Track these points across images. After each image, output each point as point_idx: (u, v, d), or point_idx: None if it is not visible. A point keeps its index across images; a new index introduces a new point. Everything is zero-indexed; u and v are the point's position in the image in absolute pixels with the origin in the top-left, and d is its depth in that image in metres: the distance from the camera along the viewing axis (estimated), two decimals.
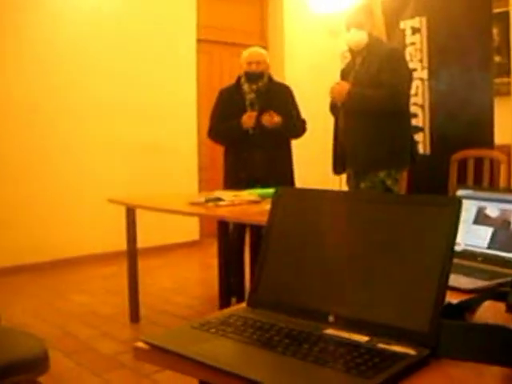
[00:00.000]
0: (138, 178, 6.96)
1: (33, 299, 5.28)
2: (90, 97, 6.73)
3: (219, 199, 4.03)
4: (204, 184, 7.54)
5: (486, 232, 1.97)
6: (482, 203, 2.02)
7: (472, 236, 1.99)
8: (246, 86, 4.93)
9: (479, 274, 1.80)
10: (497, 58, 6.44)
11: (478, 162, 5.03)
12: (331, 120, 4.69)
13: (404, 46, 5.51)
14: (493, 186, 4.87)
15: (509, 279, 1.70)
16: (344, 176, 4.68)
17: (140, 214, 4.59)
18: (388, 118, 4.29)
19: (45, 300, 5.25)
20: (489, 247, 1.94)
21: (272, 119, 4.78)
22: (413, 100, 5.20)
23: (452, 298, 1.32)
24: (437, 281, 1.20)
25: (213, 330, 1.33)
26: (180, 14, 7.46)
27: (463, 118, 5.22)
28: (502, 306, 1.41)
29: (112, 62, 6.86)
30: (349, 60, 4.68)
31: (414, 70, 5.35)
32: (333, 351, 1.18)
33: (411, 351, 1.15)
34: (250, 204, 4.02)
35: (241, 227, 4.86)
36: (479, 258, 1.94)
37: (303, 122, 5.08)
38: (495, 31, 6.15)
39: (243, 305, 1.49)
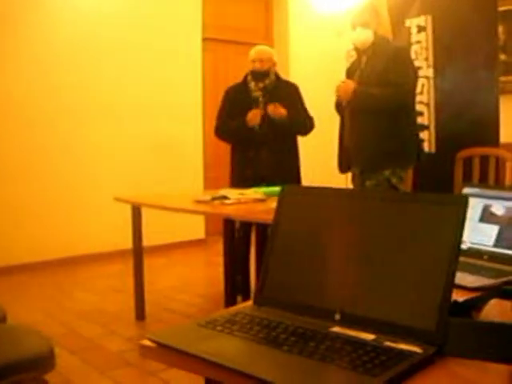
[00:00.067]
0: (143, 176, 6.97)
1: (39, 297, 5.28)
2: (94, 96, 6.73)
3: (225, 197, 4.03)
4: (209, 182, 7.53)
5: (492, 230, 1.97)
6: (488, 201, 2.02)
7: (478, 234, 1.99)
8: (252, 84, 4.93)
9: (485, 272, 1.80)
10: (502, 57, 6.43)
11: (484, 160, 5.02)
12: (337, 118, 4.69)
13: (409, 45, 5.51)
14: (498, 184, 4.87)
15: None
16: (349, 174, 4.67)
17: (146, 213, 4.60)
18: (393, 116, 4.29)
19: (51, 298, 5.26)
20: (495, 245, 1.94)
21: (276, 109, 4.78)
22: (418, 98, 5.19)
23: (458, 296, 1.32)
24: (443, 279, 1.20)
25: (219, 328, 1.33)
26: (185, 13, 7.46)
27: (468, 116, 5.21)
28: (508, 304, 1.41)
29: (117, 61, 6.86)
30: (354, 59, 4.67)
31: (420, 68, 5.34)
32: (339, 349, 1.18)
33: (417, 349, 1.15)
34: (255, 202, 4.01)
35: (247, 225, 4.86)
36: (485, 256, 1.94)
37: (311, 119, 5.07)
38: (501, 29, 6.14)
39: (249, 303, 1.50)
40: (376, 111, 4.30)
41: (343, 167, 4.63)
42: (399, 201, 1.38)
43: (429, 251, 1.26)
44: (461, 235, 1.23)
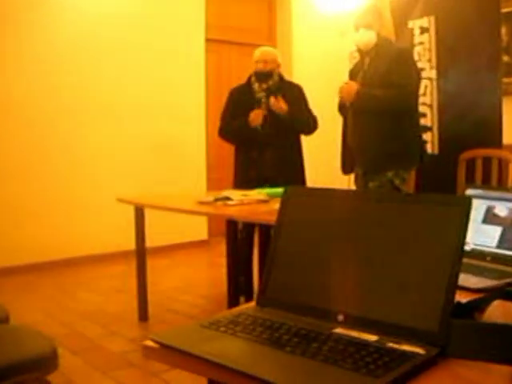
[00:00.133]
0: (146, 177, 6.97)
1: (42, 298, 5.29)
2: (96, 96, 6.73)
3: (228, 198, 4.03)
4: (212, 183, 7.54)
5: (495, 231, 1.97)
6: (491, 202, 2.02)
7: (481, 235, 1.99)
8: (256, 85, 4.93)
9: (488, 273, 1.80)
10: (505, 58, 6.43)
11: (487, 161, 5.02)
12: (340, 119, 4.70)
13: (412, 46, 5.51)
14: (501, 185, 4.87)
15: None
16: (352, 175, 4.68)
17: (148, 214, 4.60)
18: (396, 117, 4.29)
19: (53, 299, 5.27)
20: (498, 246, 1.94)
21: (277, 102, 4.78)
22: (421, 100, 5.19)
23: (461, 298, 1.32)
24: (446, 280, 1.20)
25: (222, 329, 1.33)
26: (188, 14, 7.46)
27: (471, 118, 5.21)
28: (511, 305, 1.41)
29: (120, 62, 6.87)
30: (357, 60, 4.67)
31: (423, 69, 5.34)
32: (342, 350, 1.18)
33: (420, 350, 1.15)
34: (258, 203, 4.01)
35: (250, 226, 4.86)
36: (488, 258, 1.94)
37: (314, 119, 5.06)
38: (504, 31, 6.14)
39: (252, 304, 1.50)
40: (379, 112, 4.30)
41: (346, 168, 4.64)
42: (402, 202, 1.38)
43: (432, 252, 1.26)
44: (464, 236, 1.23)
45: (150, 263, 4.82)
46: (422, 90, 5.17)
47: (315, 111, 5.09)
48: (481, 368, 1.10)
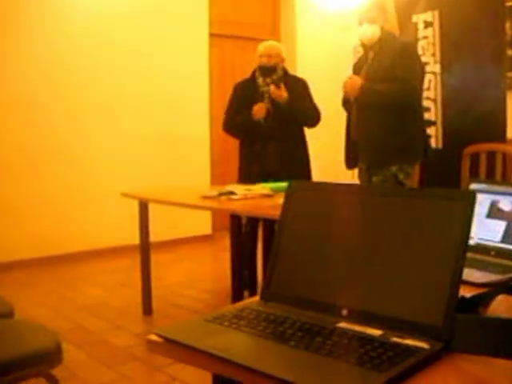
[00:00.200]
0: (150, 172, 6.98)
1: (46, 292, 5.30)
2: (100, 92, 6.73)
3: (232, 193, 4.03)
4: (216, 178, 7.54)
5: (500, 226, 1.97)
6: (496, 197, 2.01)
7: (485, 230, 1.99)
8: (260, 80, 4.93)
9: (492, 267, 1.80)
10: (509, 52, 6.40)
11: (491, 155, 5.02)
12: (344, 114, 4.69)
13: (416, 40, 5.51)
14: (505, 179, 4.86)
15: None
16: (356, 170, 4.67)
17: (153, 208, 4.60)
18: (400, 112, 4.28)
19: (58, 293, 5.28)
20: (502, 241, 1.94)
21: (277, 90, 4.78)
22: (425, 94, 5.19)
23: (465, 292, 1.32)
24: (450, 275, 1.20)
25: (226, 323, 1.33)
26: (192, 9, 7.45)
27: (475, 112, 5.21)
28: None
29: (123, 57, 6.86)
30: (361, 55, 4.67)
31: (427, 64, 5.34)
32: (346, 345, 1.18)
33: (424, 345, 1.15)
34: (262, 198, 4.01)
35: (254, 221, 4.86)
36: (492, 252, 1.94)
37: (317, 111, 5.04)
38: (508, 25, 6.11)
39: (256, 298, 1.50)
40: (383, 107, 4.29)
41: (350, 163, 4.63)
42: (406, 196, 1.38)
43: (436, 247, 1.26)
44: (468, 231, 1.23)
45: (154, 258, 4.82)
46: (425, 85, 5.17)
47: (319, 106, 5.07)
48: (485, 362, 1.10)
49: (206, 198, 4.09)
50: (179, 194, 4.57)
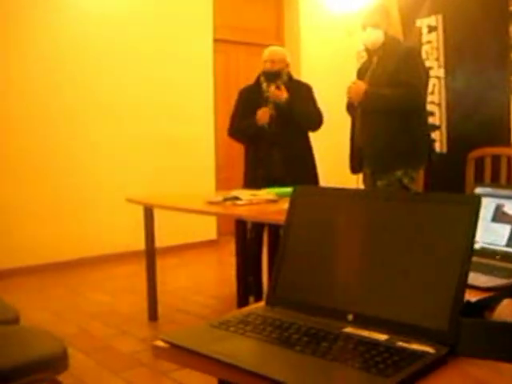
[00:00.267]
0: (155, 177, 6.99)
1: (52, 299, 5.31)
2: (104, 96, 6.75)
3: (237, 198, 4.03)
4: (221, 183, 7.55)
5: (505, 230, 1.97)
6: (501, 201, 2.01)
7: (490, 234, 1.99)
8: (264, 85, 4.94)
9: (498, 272, 1.80)
10: None
11: (495, 159, 5.01)
12: (348, 119, 4.69)
13: (420, 45, 5.51)
14: (510, 183, 4.86)
15: None
16: (361, 175, 4.67)
17: (158, 213, 4.61)
18: (405, 116, 4.28)
19: (64, 299, 5.28)
20: (507, 245, 1.94)
21: (276, 90, 4.79)
22: (429, 98, 5.19)
23: (471, 297, 1.32)
24: (456, 279, 1.21)
25: (232, 329, 1.33)
26: (196, 14, 7.47)
27: (480, 116, 5.21)
28: None
29: (128, 62, 6.88)
30: (365, 59, 4.67)
31: (431, 68, 5.34)
32: (352, 349, 1.19)
33: (430, 349, 1.15)
34: (267, 203, 4.01)
35: (259, 226, 4.86)
36: (498, 256, 1.94)
37: (320, 114, 5.03)
38: (511, 29, 6.12)
39: (262, 303, 1.50)
40: (387, 112, 4.29)
41: (355, 168, 4.63)
42: (411, 201, 1.38)
43: (441, 251, 1.26)
44: (473, 235, 1.23)
45: (160, 263, 4.82)
46: (430, 89, 5.17)
47: (324, 110, 5.07)
48: (491, 367, 1.10)
49: (211, 203, 4.09)
50: (184, 200, 4.58)
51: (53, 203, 6.42)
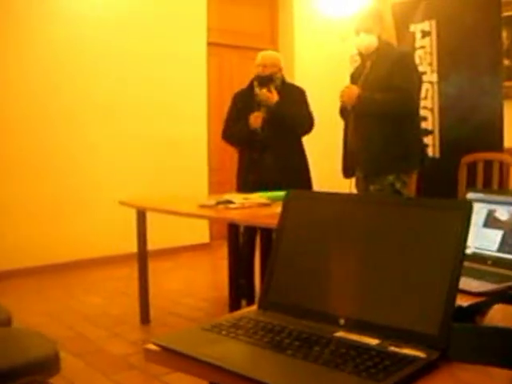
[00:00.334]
0: (148, 180, 6.98)
1: (44, 301, 5.30)
2: (98, 99, 6.74)
3: (229, 202, 4.03)
4: (214, 186, 7.55)
5: (496, 235, 1.97)
6: (492, 206, 2.02)
7: (482, 239, 1.99)
8: (257, 89, 4.94)
9: (489, 277, 1.80)
10: (506, 62, 6.43)
11: (488, 165, 5.03)
12: (341, 123, 4.70)
13: (414, 50, 5.53)
14: (502, 188, 4.87)
15: None
16: (353, 179, 4.68)
17: (150, 216, 4.61)
18: (397, 121, 4.29)
19: (56, 301, 5.28)
20: (499, 250, 1.94)
21: (266, 93, 4.80)
22: (422, 103, 5.20)
23: (462, 301, 1.32)
24: (447, 284, 1.21)
25: (224, 333, 1.33)
26: (190, 17, 7.47)
27: (473, 121, 5.23)
28: None
29: (122, 65, 6.88)
30: (358, 64, 4.68)
31: (424, 73, 5.35)
32: (343, 354, 1.18)
33: (421, 354, 1.15)
34: (260, 207, 4.01)
35: (251, 229, 4.86)
36: (489, 261, 1.94)
37: (311, 118, 5.02)
38: (504, 35, 6.14)
39: (254, 307, 1.50)
40: (380, 116, 4.30)
41: (347, 172, 4.63)
42: (403, 206, 1.38)
43: (433, 256, 1.26)
44: (465, 240, 1.23)
45: (152, 266, 4.82)
46: (423, 94, 5.18)
47: (317, 114, 5.07)
48: (482, 372, 1.10)
49: (203, 206, 4.09)
50: (177, 203, 4.58)
51: (49, 205, 6.41)
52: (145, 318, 4.65)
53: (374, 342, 1.23)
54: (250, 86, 5.04)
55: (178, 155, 7.32)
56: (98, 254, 6.67)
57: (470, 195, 2.09)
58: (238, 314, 1.48)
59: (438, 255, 1.25)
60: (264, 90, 4.83)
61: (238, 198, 4.11)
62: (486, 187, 4.89)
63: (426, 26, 5.51)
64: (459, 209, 1.26)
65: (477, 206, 1.98)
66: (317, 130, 5.07)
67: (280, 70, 5.00)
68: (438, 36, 5.43)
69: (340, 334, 1.29)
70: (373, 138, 4.36)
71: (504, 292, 1.56)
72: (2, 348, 2.28)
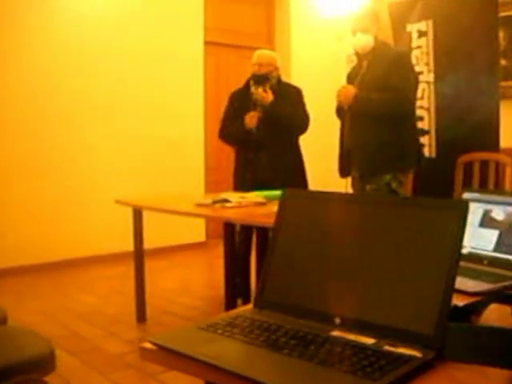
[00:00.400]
0: (145, 179, 6.98)
1: (40, 299, 5.29)
2: (95, 99, 6.74)
3: (226, 201, 4.03)
4: (211, 185, 7.55)
5: (492, 235, 1.97)
6: (488, 206, 2.02)
7: (478, 239, 1.99)
8: (253, 88, 4.94)
9: (485, 276, 1.80)
10: (503, 62, 6.44)
11: (484, 164, 5.03)
12: (337, 123, 4.70)
13: (410, 50, 5.53)
14: (498, 188, 4.88)
15: None
16: (349, 179, 4.67)
17: (147, 215, 4.60)
18: (394, 121, 4.29)
19: (52, 300, 5.27)
20: (495, 250, 1.94)
21: (261, 92, 4.80)
22: (419, 103, 5.21)
23: (458, 301, 1.32)
24: (443, 283, 1.21)
25: (219, 331, 1.33)
26: (187, 16, 7.47)
27: (469, 121, 5.23)
28: (507, 308, 1.42)
29: (119, 65, 6.87)
30: (355, 63, 4.68)
31: (421, 73, 5.35)
32: (339, 353, 1.19)
33: (417, 353, 1.16)
34: (256, 206, 4.01)
35: (248, 228, 4.86)
36: (485, 261, 1.94)
37: (307, 119, 5.02)
38: (501, 35, 6.15)
39: (250, 306, 1.50)
40: (377, 116, 4.30)
41: (344, 171, 4.63)
42: (400, 205, 1.38)
43: (429, 256, 1.26)
44: (461, 240, 1.23)
45: (148, 265, 4.82)
46: (419, 94, 5.18)
47: (314, 113, 5.06)
48: (477, 371, 1.11)
49: (199, 205, 4.09)
50: (173, 202, 4.57)
51: (41, 204, 6.40)
52: (141, 316, 4.65)
53: (369, 341, 1.24)
54: (247, 86, 5.04)
55: (175, 154, 7.31)
56: (95, 253, 6.67)
57: (466, 195, 2.09)
58: (233, 312, 1.48)
59: (434, 255, 1.25)
60: (259, 90, 4.83)
61: (235, 197, 4.11)
62: (482, 187, 4.89)
63: (422, 25, 5.51)
64: (455, 208, 1.26)
65: (473, 206, 1.98)
66: (313, 129, 5.07)
67: (276, 69, 4.99)
68: (435, 36, 5.43)
69: (336, 333, 1.29)
70: (369, 137, 4.36)
71: (500, 292, 1.56)
72: None
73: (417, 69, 5.09)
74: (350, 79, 4.61)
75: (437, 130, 5.45)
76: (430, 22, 5.44)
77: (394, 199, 1.90)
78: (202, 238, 7.78)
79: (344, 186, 4.63)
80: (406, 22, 5.65)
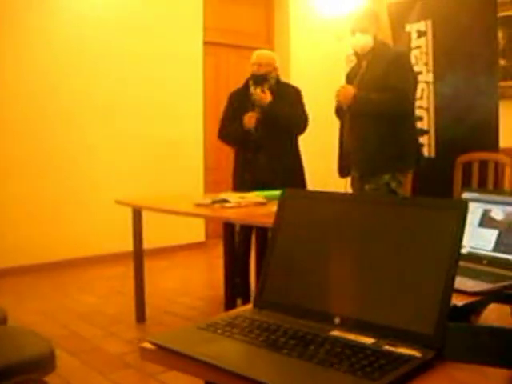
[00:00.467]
0: (144, 179, 6.98)
1: (40, 299, 5.29)
2: (95, 99, 6.73)
3: (225, 201, 4.03)
4: (210, 185, 7.55)
5: (492, 235, 1.97)
6: (488, 206, 2.02)
7: (477, 239, 2.00)
8: (252, 88, 4.94)
9: (484, 276, 1.80)
10: (502, 62, 6.44)
11: (483, 164, 5.03)
12: (336, 123, 4.70)
13: (409, 50, 5.53)
14: (497, 188, 4.88)
15: None
16: (349, 179, 4.67)
17: (146, 215, 4.60)
18: (393, 121, 4.30)
19: (52, 300, 5.27)
20: (494, 250, 1.95)
21: (260, 93, 4.80)
22: (418, 103, 5.21)
23: (457, 301, 1.32)
24: (443, 283, 1.21)
25: (219, 331, 1.33)
26: (186, 16, 7.47)
27: (468, 121, 5.23)
28: (507, 308, 1.42)
29: (119, 65, 6.87)
30: (354, 63, 4.68)
31: (420, 73, 5.35)
32: (338, 353, 1.19)
33: (417, 353, 1.16)
34: (256, 206, 4.01)
35: (247, 228, 4.86)
36: (484, 261, 1.94)
37: (305, 119, 5.03)
38: (500, 35, 6.15)
39: (249, 306, 1.50)
40: (376, 116, 4.31)
41: (343, 171, 4.63)
42: (399, 205, 1.38)
43: (429, 256, 1.26)
44: (460, 240, 1.23)
45: (148, 265, 4.82)
46: (418, 94, 5.19)
47: (313, 114, 5.06)
48: (477, 371, 1.11)
49: (199, 205, 4.09)
50: (173, 202, 4.57)
51: (41, 204, 6.40)
52: (140, 316, 4.65)
53: (369, 341, 1.24)
54: (246, 86, 5.04)
55: (175, 154, 7.31)
56: (95, 253, 6.67)
57: (466, 195, 2.09)
58: (233, 312, 1.48)
59: (433, 255, 1.25)
60: (257, 90, 4.83)
61: (234, 197, 4.11)
62: (482, 187, 4.89)
63: (421, 25, 5.51)
64: (455, 208, 1.26)
65: (472, 206, 1.98)
66: (312, 129, 5.08)
67: (275, 69, 4.99)
68: (434, 36, 5.43)
69: (335, 332, 1.29)
70: (368, 137, 4.36)
71: (499, 291, 1.56)
72: None
73: (416, 69, 5.09)
74: (349, 79, 4.61)
75: (436, 130, 5.45)
76: (429, 22, 5.44)
77: (394, 199, 1.90)
78: (201, 238, 7.78)
79: (343, 185, 4.62)
80: (405, 22, 5.65)
